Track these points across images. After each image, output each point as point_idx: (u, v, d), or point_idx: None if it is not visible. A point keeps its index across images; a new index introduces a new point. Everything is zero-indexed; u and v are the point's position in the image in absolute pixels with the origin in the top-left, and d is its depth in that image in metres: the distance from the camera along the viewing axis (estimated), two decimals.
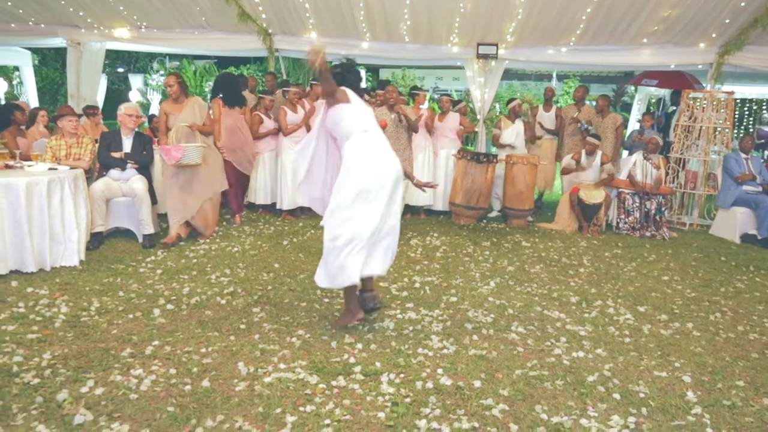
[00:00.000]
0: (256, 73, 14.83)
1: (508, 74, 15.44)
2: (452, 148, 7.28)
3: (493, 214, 7.57)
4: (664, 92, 11.71)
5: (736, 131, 11.07)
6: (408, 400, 2.72)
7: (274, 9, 7.88)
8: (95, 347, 3.15)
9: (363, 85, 13.15)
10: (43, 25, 8.53)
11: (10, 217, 4.23)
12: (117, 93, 15.68)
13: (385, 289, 4.35)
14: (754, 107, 13.25)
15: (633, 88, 12.72)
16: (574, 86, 14.52)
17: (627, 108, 14.58)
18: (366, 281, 3.58)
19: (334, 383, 2.85)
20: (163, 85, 15.12)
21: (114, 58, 16.07)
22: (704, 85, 8.88)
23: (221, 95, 6.39)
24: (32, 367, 2.89)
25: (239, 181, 6.59)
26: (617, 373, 3.12)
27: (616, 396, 2.85)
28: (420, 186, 3.91)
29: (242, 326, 3.54)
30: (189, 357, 3.08)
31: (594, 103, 7.78)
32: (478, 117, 8.52)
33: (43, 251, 4.42)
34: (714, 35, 7.43)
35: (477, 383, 2.89)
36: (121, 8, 7.94)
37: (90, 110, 7.45)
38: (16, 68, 11.87)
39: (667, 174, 7.09)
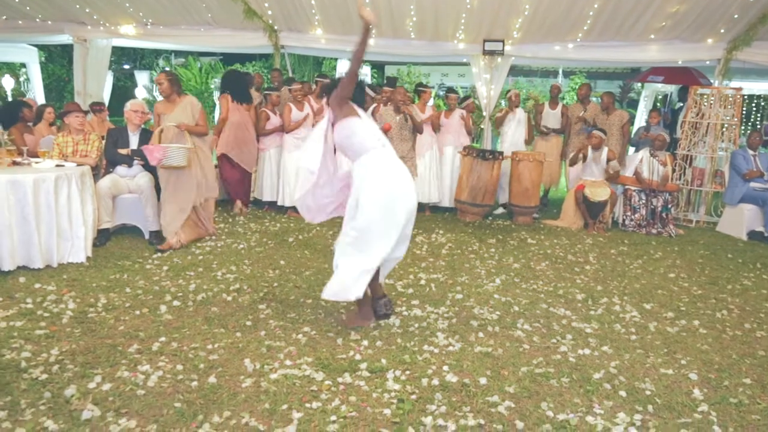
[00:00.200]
0: (261, 70, 14.84)
1: (514, 70, 15.40)
2: (458, 145, 7.27)
3: (499, 211, 7.55)
4: (671, 88, 11.64)
5: (743, 128, 10.99)
6: (414, 396, 2.72)
7: (279, 6, 7.87)
8: (102, 343, 3.17)
9: (369, 81, 13.12)
10: (49, 22, 8.55)
11: (17, 214, 4.25)
12: (123, 90, 15.73)
13: (391, 286, 4.36)
14: (762, 103, 13.14)
15: (639, 84, 12.65)
16: (580, 82, 14.44)
17: (633, 105, 14.50)
18: (376, 288, 3.58)
19: (340, 380, 2.85)
20: None
21: (120, 54, 16.10)
22: (711, 80, 8.83)
23: (229, 91, 6.47)
24: (40, 362, 2.91)
25: (242, 177, 6.69)
26: (623, 370, 3.11)
27: (622, 393, 2.84)
28: None
29: (248, 323, 3.55)
30: (195, 353, 3.09)
31: (600, 99, 7.75)
32: (484, 114, 8.50)
33: (51, 247, 4.45)
34: (722, 31, 7.37)
35: (483, 380, 2.89)
36: (127, 5, 7.95)
37: (96, 107, 7.50)
38: (23, 65, 11.91)
39: (673, 171, 7.05)
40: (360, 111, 3.46)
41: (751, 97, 12.49)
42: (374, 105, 6.58)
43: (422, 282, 4.50)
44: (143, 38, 8.84)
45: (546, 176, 7.64)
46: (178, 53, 16.71)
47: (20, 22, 8.57)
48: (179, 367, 2.92)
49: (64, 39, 8.77)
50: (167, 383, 2.77)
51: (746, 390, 2.96)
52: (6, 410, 2.47)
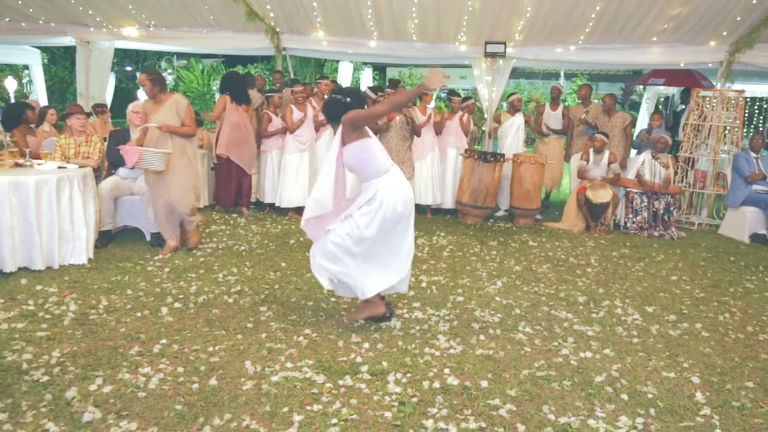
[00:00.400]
0: (263, 72, 14.86)
1: (516, 73, 15.36)
2: (460, 147, 7.27)
3: (500, 213, 7.55)
4: (673, 91, 11.62)
5: (745, 130, 10.96)
6: (415, 399, 2.72)
7: (281, 7, 7.89)
8: (104, 345, 3.17)
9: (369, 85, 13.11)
10: (52, 24, 8.58)
11: (19, 215, 4.25)
12: (125, 91, 15.74)
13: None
14: (765, 106, 13.11)
15: (641, 86, 12.63)
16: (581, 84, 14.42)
17: (635, 107, 14.48)
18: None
19: (341, 382, 2.85)
20: (169, 84, 15.20)
21: (122, 56, 16.14)
22: (712, 82, 8.81)
23: (228, 92, 6.54)
24: (41, 364, 2.91)
25: (240, 178, 6.75)
26: (625, 373, 3.10)
27: (624, 397, 2.83)
28: None
29: (249, 325, 3.55)
30: (196, 355, 3.09)
31: (602, 101, 7.74)
32: (486, 116, 8.49)
33: (52, 249, 4.45)
34: (724, 33, 7.37)
35: (484, 383, 2.88)
36: (130, 7, 7.98)
37: (99, 109, 7.51)
38: (26, 67, 11.94)
39: (675, 173, 7.04)
40: (369, 131, 3.46)
41: (753, 99, 12.48)
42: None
43: (423, 284, 4.49)
44: (145, 40, 8.86)
45: (547, 178, 7.63)
46: (181, 55, 16.74)
47: (23, 24, 8.59)
48: (180, 369, 2.92)
49: (67, 41, 8.80)
50: (168, 385, 2.76)
51: (749, 393, 2.95)
52: (7, 412, 2.47)
